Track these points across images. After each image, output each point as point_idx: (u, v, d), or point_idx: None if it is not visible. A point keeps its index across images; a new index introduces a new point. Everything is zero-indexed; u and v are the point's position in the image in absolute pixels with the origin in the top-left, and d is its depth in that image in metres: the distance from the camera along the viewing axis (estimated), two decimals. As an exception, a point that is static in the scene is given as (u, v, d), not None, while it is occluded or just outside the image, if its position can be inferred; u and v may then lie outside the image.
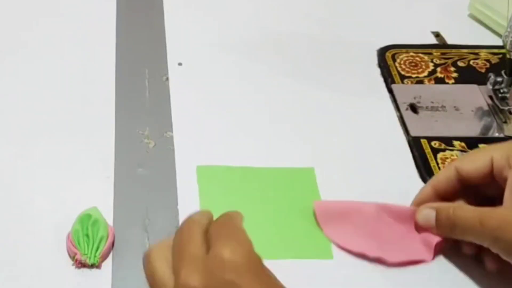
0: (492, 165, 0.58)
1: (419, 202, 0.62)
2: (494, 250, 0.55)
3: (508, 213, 0.55)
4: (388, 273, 0.60)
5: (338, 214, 0.63)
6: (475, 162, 0.59)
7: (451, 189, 0.61)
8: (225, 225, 0.47)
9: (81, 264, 0.59)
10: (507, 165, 0.57)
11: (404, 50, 0.84)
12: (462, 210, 0.58)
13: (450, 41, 0.87)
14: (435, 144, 0.72)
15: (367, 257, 0.61)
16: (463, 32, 0.88)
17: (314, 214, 0.64)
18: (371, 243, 0.61)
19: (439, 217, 0.59)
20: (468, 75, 0.81)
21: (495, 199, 0.58)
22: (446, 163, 0.70)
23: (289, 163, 0.70)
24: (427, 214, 0.60)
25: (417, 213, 0.61)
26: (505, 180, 0.57)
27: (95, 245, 0.59)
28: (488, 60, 0.83)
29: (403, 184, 0.68)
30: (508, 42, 0.72)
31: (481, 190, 0.61)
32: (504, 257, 0.55)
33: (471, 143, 0.72)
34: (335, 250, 0.61)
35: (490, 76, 0.77)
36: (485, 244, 0.56)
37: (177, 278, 0.44)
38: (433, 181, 0.62)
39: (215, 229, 0.46)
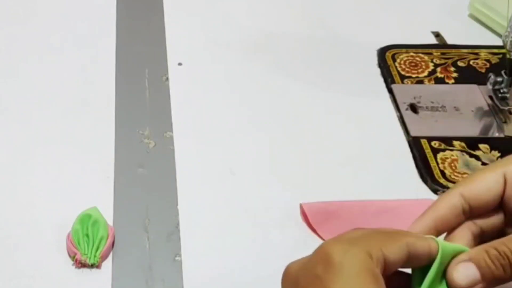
0: (505, 181, 0.45)
1: None
2: None
3: None
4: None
5: (328, 214, 0.64)
6: (484, 180, 0.45)
7: (454, 222, 0.46)
8: (354, 231, 0.43)
9: (81, 264, 0.59)
10: None
11: (404, 50, 0.84)
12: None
13: (450, 41, 0.87)
14: (435, 144, 0.72)
15: None
16: (463, 32, 0.88)
17: (303, 217, 0.64)
18: None
19: (485, 265, 0.43)
20: (468, 75, 0.81)
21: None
22: (446, 163, 0.70)
23: (289, 162, 0.70)
24: (467, 272, 0.43)
25: (454, 276, 0.44)
26: None
27: (95, 245, 0.59)
28: (488, 60, 0.83)
29: (403, 184, 0.68)
30: (508, 42, 0.72)
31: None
32: None
33: (471, 143, 0.72)
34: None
35: (490, 76, 0.77)
36: None
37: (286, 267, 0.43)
38: (433, 211, 0.46)
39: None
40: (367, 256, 0.40)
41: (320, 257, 0.40)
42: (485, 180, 0.45)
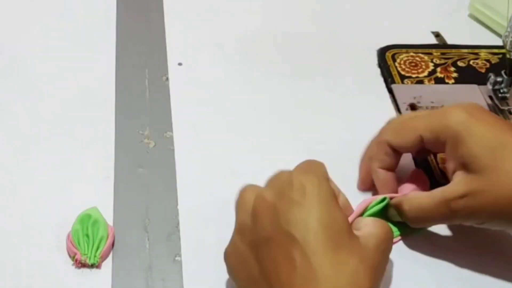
0: (422, 141, 0.60)
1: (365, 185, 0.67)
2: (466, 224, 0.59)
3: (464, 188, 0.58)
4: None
5: None
6: (404, 138, 0.61)
7: (393, 161, 0.63)
8: (307, 163, 0.55)
9: (81, 264, 0.59)
10: (438, 142, 0.59)
11: (404, 50, 0.84)
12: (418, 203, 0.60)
13: (450, 41, 0.87)
14: (435, 144, 0.72)
15: None
16: (463, 32, 0.88)
17: None
18: None
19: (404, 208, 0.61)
20: (468, 75, 0.81)
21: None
22: (446, 163, 0.70)
23: (289, 162, 0.70)
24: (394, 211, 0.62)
25: (389, 213, 0.63)
26: (438, 146, 0.59)
27: (95, 245, 0.59)
28: (488, 60, 0.83)
29: (403, 184, 0.68)
30: (508, 42, 0.72)
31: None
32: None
33: (471, 143, 0.72)
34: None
35: (490, 76, 0.77)
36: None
37: (257, 194, 0.53)
38: (375, 163, 0.64)
39: (298, 166, 0.55)
40: (328, 183, 0.52)
41: (295, 186, 0.51)
42: (404, 137, 0.61)
